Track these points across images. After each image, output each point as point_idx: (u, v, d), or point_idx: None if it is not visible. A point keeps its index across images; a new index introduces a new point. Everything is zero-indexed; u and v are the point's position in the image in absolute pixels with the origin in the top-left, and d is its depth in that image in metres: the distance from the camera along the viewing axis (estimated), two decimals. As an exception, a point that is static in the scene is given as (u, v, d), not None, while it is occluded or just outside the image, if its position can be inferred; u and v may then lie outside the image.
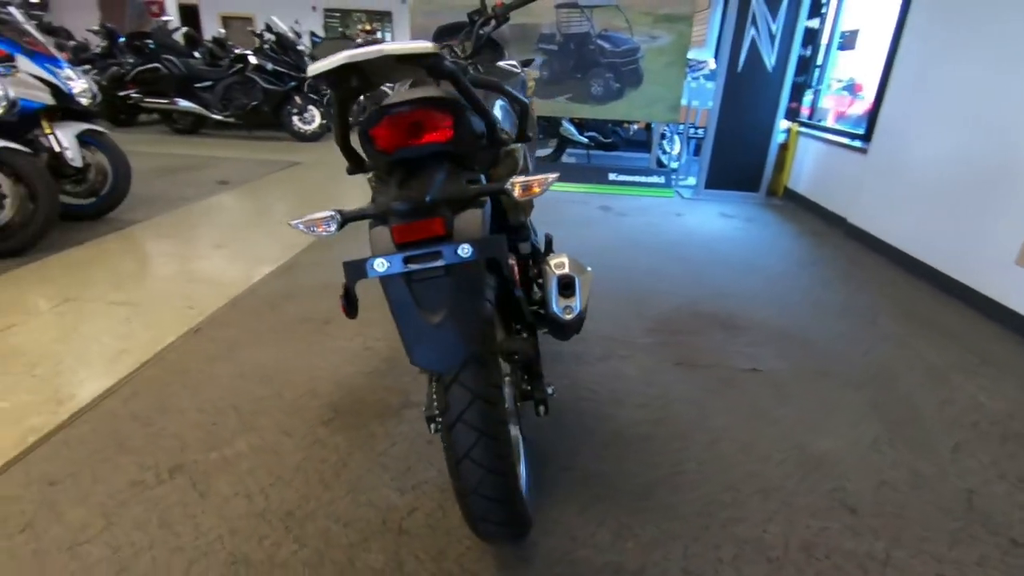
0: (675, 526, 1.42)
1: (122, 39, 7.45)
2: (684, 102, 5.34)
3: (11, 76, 3.09)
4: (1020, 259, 2.58)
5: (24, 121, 3.10)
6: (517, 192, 0.92)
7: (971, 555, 1.37)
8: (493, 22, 1.96)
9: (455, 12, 2.02)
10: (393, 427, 1.74)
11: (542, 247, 1.64)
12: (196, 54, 7.67)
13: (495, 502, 1.05)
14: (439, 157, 0.97)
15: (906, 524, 1.46)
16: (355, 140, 1.04)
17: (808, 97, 5.18)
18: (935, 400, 2.04)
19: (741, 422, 1.86)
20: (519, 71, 1.93)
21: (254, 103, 6.99)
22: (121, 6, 12.89)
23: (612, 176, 5.37)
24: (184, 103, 7.04)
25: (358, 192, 4.74)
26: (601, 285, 2.91)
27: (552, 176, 0.93)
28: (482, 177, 1.05)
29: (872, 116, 3.97)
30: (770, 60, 4.73)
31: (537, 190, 0.93)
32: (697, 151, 5.78)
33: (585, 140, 6.11)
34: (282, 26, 7.33)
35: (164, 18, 9.05)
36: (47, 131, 3.24)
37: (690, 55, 5.93)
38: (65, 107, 3.33)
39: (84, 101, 3.39)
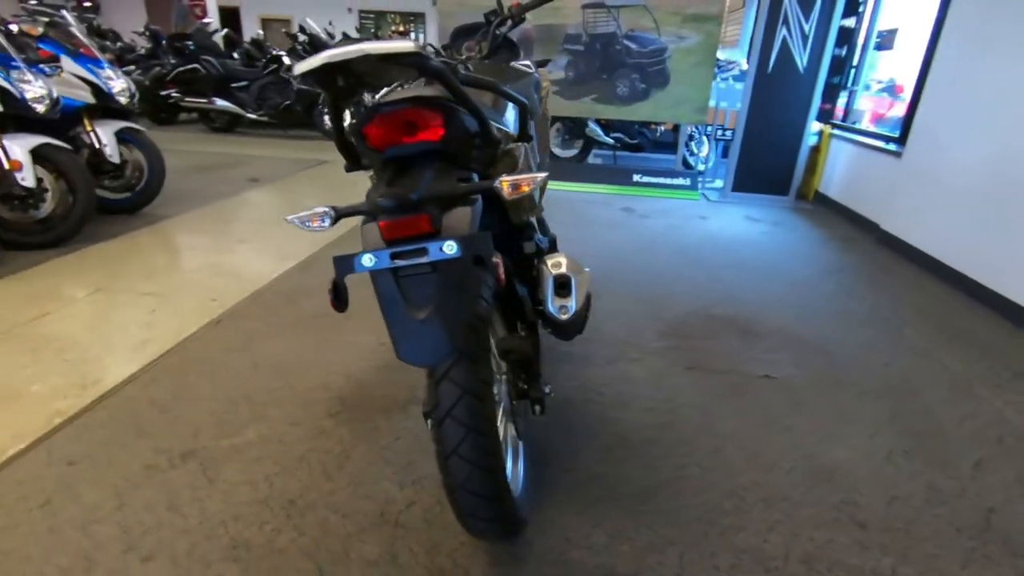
0: (673, 532, 1.40)
1: (164, 41, 7.74)
2: (712, 103, 5.25)
3: (56, 76, 3.26)
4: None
5: (67, 119, 3.26)
6: (506, 190, 0.93)
7: (984, 576, 1.32)
8: (509, 22, 1.97)
9: (478, 13, 2.04)
10: (398, 422, 1.76)
11: (548, 247, 1.64)
12: (235, 55, 7.92)
13: (483, 499, 1.06)
14: (431, 155, 0.98)
15: (917, 541, 1.41)
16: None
17: (842, 98, 5.03)
18: (958, 413, 1.96)
19: (750, 429, 1.82)
20: (532, 71, 1.93)
21: (287, 103, 7.16)
22: (168, 9, 13.40)
23: (636, 178, 5.31)
24: (221, 102, 7.27)
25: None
26: (615, 287, 2.88)
27: (541, 175, 0.93)
28: (475, 176, 1.06)
29: (908, 118, 3.83)
30: (802, 60, 4.61)
31: (526, 189, 0.93)
32: (725, 153, 5.67)
33: (610, 141, 6.06)
34: (315, 27, 7.49)
35: (204, 20, 9.37)
36: (88, 128, 3.39)
37: (723, 55, 5.83)
38: (105, 105, 3.48)
39: (123, 100, 3.54)
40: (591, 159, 6.29)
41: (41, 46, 3.32)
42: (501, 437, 1.28)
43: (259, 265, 3.03)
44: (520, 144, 1.30)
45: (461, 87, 0.94)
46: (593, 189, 5.24)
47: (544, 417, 1.72)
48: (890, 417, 1.92)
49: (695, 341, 2.39)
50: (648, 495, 1.52)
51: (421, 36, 15.90)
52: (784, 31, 4.56)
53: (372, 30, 15.65)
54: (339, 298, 0.92)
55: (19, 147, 2.86)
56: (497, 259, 0.90)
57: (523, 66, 1.91)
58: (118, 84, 3.52)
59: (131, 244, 3.30)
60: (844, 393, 2.06)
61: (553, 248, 1.66)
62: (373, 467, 1.57)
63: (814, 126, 4.89)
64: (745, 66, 5.43)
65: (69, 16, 3.71)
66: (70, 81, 3.33)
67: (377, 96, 1.15)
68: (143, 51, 8.37)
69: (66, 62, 3.36)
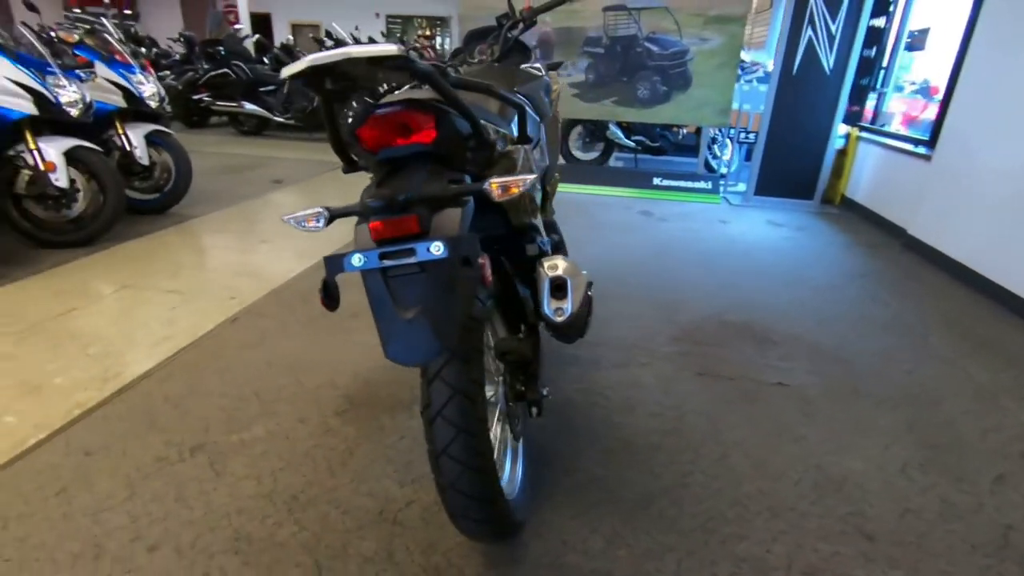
0: (672, 538, 1.38)
1: (198, 47, 7.99)
2: (736, 106, 5.17)
3: (90, 81, 3.39)
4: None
5: (99, 122, 3.38)
6: (495, 192, 0.93)
7: (998, 595, 1.27)
8: (521, 25, 1.98)
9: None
10: (403, 421, 1.78)
11: (552, 249, 1.64)
12: (265, 60, 8.12)
13: (473, 499, 1.06)
14: (424, 157, 0.99)
15: (928, 556, 1.36)
16: None
17: (871, 100, 4.89)
18: (981, 426, 1.88)
19: (759, 437, 1.78)
20: (542, 74, 1.93)
21: (313, 106, 7.31)
22: (203, 16, 13.83)
23: (656, 181, 5.26)
24: (249, 106, 7.46)
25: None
26: (628, 291, 2.86)
27: (530, 177, 0.94)
28: (470, 178, 1.06)
29: (938, 120, 3.71)
30: (828, 62, 4.50)
31: (515, 190, 0.93)
32: (749, 156, 5.57)
33: (631, 144, 6.01)
34: (342, 32, 7.64)
35: (235, 27, 9.63)
36: (119, 131, 3.52)
37: (749, 57, 5.73)
38: (136, 109, 3.61)
39: (152, 104, 3.67)
40: (612, 162, 6.25)
41: (77, 52, 3.46)
42: (497, 438, 1.28)
43: (278, 264, 3.10)
44: (519, 146, 1.30)
45: (451, 90, 0.95)
46: (613, 192, 5.21)
47: (543, 419, 1.73)
48: (908, 428, 1.86)
49: (708, 347, 2.35)
50: (649, 501, 1.50)
51: (447, 40, 16.06)
52: (810, 32, 4.46)
53: (398, 35, 15.86)
54: (330, 297, 0.93)
55: (53, 149, 2.98)
56: (483, 260, 0.91)
57: (533, 69, 1.91)
58: (148, 88, 3.65)
59: (158, 243, 3.41)
60: (861, 402, 2.00)
61: (559, 250, 1.66)
62: (376, 465, 1.59)
63: (841, 128, 4.77)
64: (770, 68, 5.34)
65: (108, 23, 3.88)
66: (103, 86, 3.47)
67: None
68: (178, 57, 8.65)
69: (100, 67, 3.49)
